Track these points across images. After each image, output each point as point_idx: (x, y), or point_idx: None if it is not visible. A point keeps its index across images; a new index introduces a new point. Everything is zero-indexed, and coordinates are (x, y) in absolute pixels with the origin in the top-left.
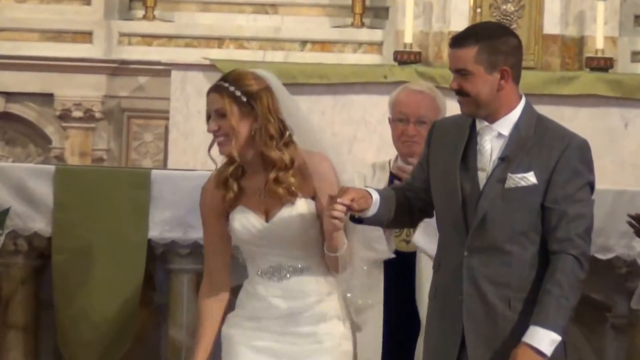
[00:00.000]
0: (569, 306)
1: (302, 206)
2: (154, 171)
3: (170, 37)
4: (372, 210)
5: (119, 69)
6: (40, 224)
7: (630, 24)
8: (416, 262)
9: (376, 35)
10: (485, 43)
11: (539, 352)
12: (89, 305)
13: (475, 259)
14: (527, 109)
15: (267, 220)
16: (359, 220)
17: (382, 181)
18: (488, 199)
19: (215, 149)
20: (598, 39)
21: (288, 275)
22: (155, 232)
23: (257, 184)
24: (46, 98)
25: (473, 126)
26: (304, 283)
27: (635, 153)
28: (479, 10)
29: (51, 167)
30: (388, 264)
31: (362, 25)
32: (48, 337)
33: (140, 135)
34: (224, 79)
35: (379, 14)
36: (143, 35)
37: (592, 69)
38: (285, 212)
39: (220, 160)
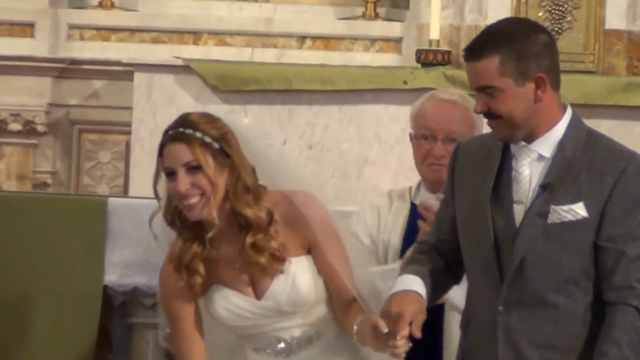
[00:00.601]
0: None
1: (299, 269)
2: (111, 199)
3: (133, 31)
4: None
5: (68, 70)
6: None
7: None
8: (444, 317)
9: (394, 29)
10: (508, 49)
11: None
12: None
13: (513, 316)
14: (574, 123)
15: (258, 298)
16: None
17: (401, 214)
18: (527, 238)
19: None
20: None
21: (295, 349)
22: (113, 276)
23: (231, 253)
24: None
25: (507, 147)
26: (318, 355)
27: None
28: None
29: None
30: None
31: (377, 16)
32: None
33: (94, 154)
34: (179, 125)
35: (397, 3)
36: (99, 28)
37: None
38: (278, 285)
39: (165, 209)
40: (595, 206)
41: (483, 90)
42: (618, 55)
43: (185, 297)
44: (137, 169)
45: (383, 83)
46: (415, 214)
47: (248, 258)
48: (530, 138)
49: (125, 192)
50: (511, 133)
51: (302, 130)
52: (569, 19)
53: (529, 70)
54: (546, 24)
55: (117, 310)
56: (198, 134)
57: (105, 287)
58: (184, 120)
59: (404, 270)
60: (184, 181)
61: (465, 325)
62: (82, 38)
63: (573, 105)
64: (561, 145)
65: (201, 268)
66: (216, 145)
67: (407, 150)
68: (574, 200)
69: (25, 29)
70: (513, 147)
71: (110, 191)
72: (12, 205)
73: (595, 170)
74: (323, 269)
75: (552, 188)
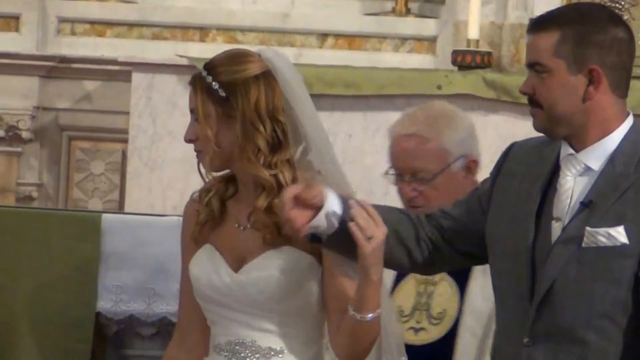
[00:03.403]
0: None
1: (292, 258)
2: (105, 216)
3: (131, 25)
4: (332, 206)
5: (57, 69)
6: None
7: None
8: (453, 353)
9: (428, 27)
10: (572, 28)
11: None
12: None
13: (539, 350)
14: (632, 136)
15: (235, 271)
16: (316, 238)
17: None
18: (558, 262)
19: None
20: None
21: (250, 358)
22: (107, 302)
23: (243, 212)
24: None
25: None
26: None
27: None
28: None
29: None
30: None
31: (408, 12)
32: None
33: (86, 164)
34: (209, 62)
35: None
36: (92, 22)
37: None
38: (264, 261)
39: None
40: (638, 232)
41: (533, 67)
42: None
43: (193, 244)
44: (134, 181)
45: (414, 88)
46: None
47: (255, 222)
48: (579, 145)
49: (120, 208)
50: (550, 127)
51: None
52: (626, 17)
53: (587, 59)
54: None
55: (111, 341)
56: (208, 79)
57: (98, 315)
58: (219, 56)
59: None
60: (189, 128)
61: (492, 355)
62: (73, 33)
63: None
64: (612, 159)
65: (215, 204)
66: (222, 93)
67: None
68: (615, 224)
69: (10, 22)
70: (562, 154)
71: (104, 206)
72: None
73: None
74: (330, 275)
75: (593, 207)
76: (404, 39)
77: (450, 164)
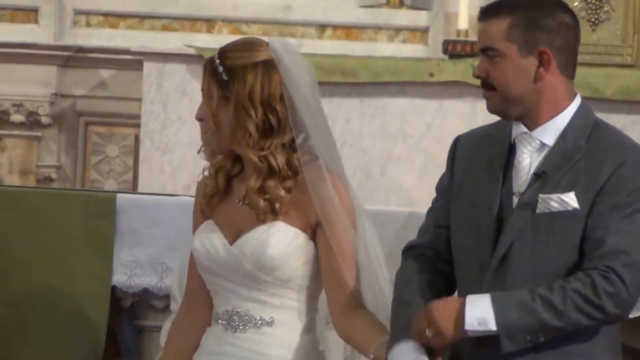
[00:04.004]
0: (540, 316)
1: (278, 233)
2: (120, 195)
3: (142, 17)
4: None
5: (74, 58)
6: None
7: None
8: None
9: (420, 18)
10: (522, 14)
11: (460, 317)
12: None
13: None
14: (581, 112)
15: (230, 243)
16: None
17: None
18: (515, 228)
19: None
20: None
21: (243, 327)
22: (122, 276)
23: (244, 189)
24: None
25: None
26: (265, 344)
27: None
28: None
29: None
30: None
31: (402, 4)
32: None
33: (101, 147)
34: (222, 47)
35: None
36: (106, 14)
37: None
38: (253, 236)
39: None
40: (587, 197)
41: (486, 52)
42: None
43: (201, 215)
44: (146, 164)
45: (408, 75)
46: None
47: (249, 201)
48: (532, 124)
49: (134, 189)
50: (504, 108)
51: None
52: (606, 9)
53: (537, 42)
54: (582, 14)
55: (126, 313)
56: (216, 62)
57: (114, 288)
58: (223, 45)
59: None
60: (199, 107)
61: None
62: (88, 24)
63: (610, 100)
64: (564, 134)
65: (221, 179)
66: (224, 77)
67: (433, 147)
68: (566, 190)
69: (29, 14)
70: (514, 133)
71: (118, 187)
72: (14, 201)
73: (593, 160)
74: (324, 255)
75: (546, 177)
76: (398, 30)
77: None
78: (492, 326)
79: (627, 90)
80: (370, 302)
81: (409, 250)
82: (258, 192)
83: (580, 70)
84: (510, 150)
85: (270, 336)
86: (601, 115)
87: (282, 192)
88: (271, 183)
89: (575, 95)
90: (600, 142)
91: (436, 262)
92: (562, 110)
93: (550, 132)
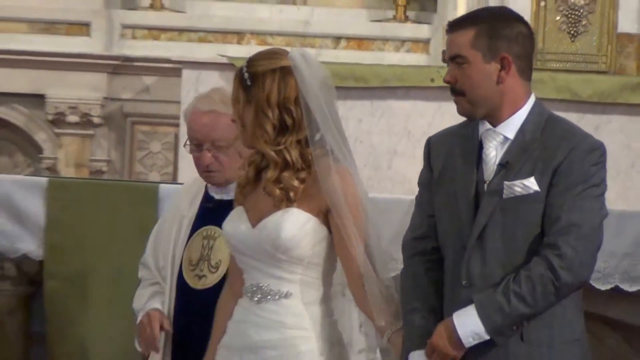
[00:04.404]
0: (517, 311)
1: (295, 218)
2: (162, 186)
3: (181, 31)
4: None
5: (122, 66)
6: (30, 246)
7: None
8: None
9: (422, 31)
10: (485, 25)
11: (457, 340)
12: (86, 341)
13: (476, 291)
14: (536, 109)
15: (253, 226)
16: None
17: (199, 197)
18: (486, 211)
19: None
20: None
21: (264, 299)
22: None
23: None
24: (36, 100)
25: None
26: (283, 313)
27: None
28: (542, 3)
29: (43, 180)
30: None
31: (406, 19)
32: None
33: (146, 144)
34: (250, 56)
35: (425, 6)
36: (150, 28)
37: None
38: (270, 221)
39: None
40: (545, 180)
41: (454, 59)
42: (629, 57)
43: (236, 203)
44: (185, 158)
45: (411, 81)
46: (208, 197)
47: (267, 190)
48: (495, 121)
49: (174, 180)
50: (472, 109)
51: None
52: (584, 22)
53: (498, 49)
54: (563, 27)
55: None
56: (243, 69)
57: None
58: (252, 54)
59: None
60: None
61: (444, 296)
62: (134, 37)
63: (586, 102)
64: (522, 129)
65: (251, 172)
66: (248, 82)
67: None
68: (527, 176)
69: (82, 28)
70: (480, 130)
71: (161, 178)
72: (70, 190)
73: (548, 148)
74: (336, 235)
75: (509, 166)
76: (403, 41)
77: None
78: (485, 335)
79: (602, 93)
80: (379, 271)
81: (411, 248)
82: (275, 182)
83: (561, 77)
84: (480, 146)
85: (286, 307)
86: (579, 115)
87: (296, 183)
88: (286, 174)
89: (530, 94)
90: (553, 132)
91: (433, 253)
92: (520, 108)
93: (510, 127)
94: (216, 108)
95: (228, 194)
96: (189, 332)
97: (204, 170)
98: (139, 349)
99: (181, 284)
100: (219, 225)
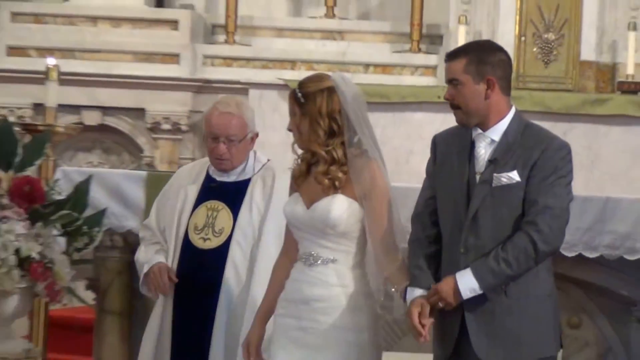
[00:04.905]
0: (505, 273)
1: (341, 202)
2: None
3: (248, 60)
4: None
5: (203, 87)
6: (133, 223)
7: None
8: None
9: (431, 59)
10: (473, 55)
11: (457, 291)
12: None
13: (471, 257)
14: (516, 118)
15: (307, 207)
16: None
17: (200, 177)
18: (479, 197)
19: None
20: (629, 66)
21: (315, 263)
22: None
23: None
24: (138, 112)
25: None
26: (329, 274)
27: None
28: (523, 38)
29: (143, 173)
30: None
31: (419, 50)
32: (140, 322)
33: None
34: (301, 80)
35: (434, 41)
36: (224, 58)
37: (623, 92)
38: (323, 203)
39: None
40: (524, 173)
41: (451, 82)
42: (589, 79)
43: (292, 191)
44: None
45: (423, 97)
46: (210, 178)
47: (317, 180)
48: (484, 127)
49: None
50: (466, 119)
51: None
52: (555, 53)
53: (485, 73)
54: (539, 56)
55: None
56: (297, 90)
57: None
58: (302, 79)
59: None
60: (289, 123)
61: (443, 261)
62: (212, 64)
63: (557, 114)
64: (505, 133)
65: (302, 166)
66: (302, 100)
67: None
68: (510, 169)
69: (173, 57)
70: (473, 134)
71: None
72: (164, 181)
73: (526, 147)
74: (367, 215)
75: (496, 162)
76: (416, 67)
77: (247, 130)
78: (479, 290)
79: (568, 107)
80: (398, 241)
81: (416, 218)
82: (324, 174)
83: (537, 94)
84: (472, 145)
85: (332, 269)
86: (550, 124)
87: (340, 174)
88: (333, 168)
89: (511, 107)
90: (530, 136)
91: (432, 226)
92: (503, 117)
93: (497, 132)
94: (231, 110)
95: (228, 177)
96: (190, 282)
97: (217, 158)
98: (146, 293)
99: (186, 244)
100: (221, 200)
